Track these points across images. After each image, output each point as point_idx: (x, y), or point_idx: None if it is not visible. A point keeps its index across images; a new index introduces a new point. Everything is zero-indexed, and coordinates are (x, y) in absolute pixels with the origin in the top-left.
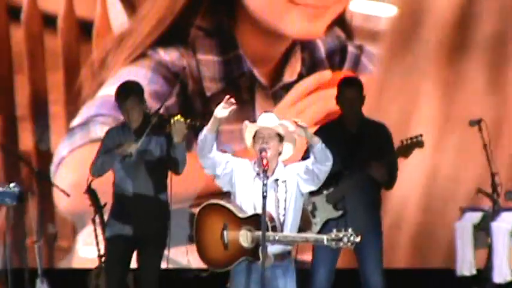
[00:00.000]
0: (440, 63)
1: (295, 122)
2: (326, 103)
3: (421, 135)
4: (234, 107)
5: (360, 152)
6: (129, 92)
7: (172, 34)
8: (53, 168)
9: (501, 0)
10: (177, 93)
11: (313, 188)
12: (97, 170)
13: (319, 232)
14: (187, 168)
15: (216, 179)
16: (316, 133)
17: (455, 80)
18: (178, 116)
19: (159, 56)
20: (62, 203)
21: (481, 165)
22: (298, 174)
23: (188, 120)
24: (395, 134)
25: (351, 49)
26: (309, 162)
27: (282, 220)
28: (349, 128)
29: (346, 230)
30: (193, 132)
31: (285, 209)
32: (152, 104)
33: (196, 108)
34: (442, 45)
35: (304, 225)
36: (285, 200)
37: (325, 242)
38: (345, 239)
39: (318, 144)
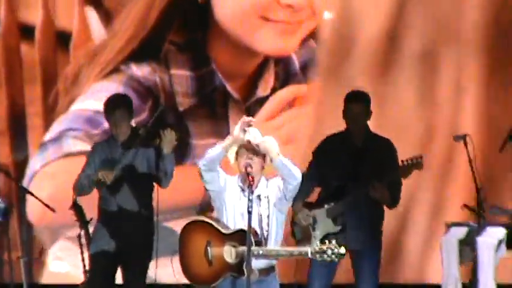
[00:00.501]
0: (372, 75)
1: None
2: (302, 120)
3: (421, 157)
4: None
5: (363, 168)
6: (117, 104)
7: (145, 49)
8: (25, 182)
9: (431, 12)
10: (149, 108)
11: (285, 206)
12: (78, 191)
13: (322, 240)
14: (177, 180)
15: (213, 194)
16: (321, 145)
17: (387, 92)
18: (168, 129)
19: (131, 70)
20: (34, 216)
21: None
22: (278, 190)
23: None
24: None
25: None
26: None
27: (265, 235)
28: (355, 142)
29: (330, 242)
30: (183, 146)
31: (268, 224)
32: None
33: (169, 123)
34: (374, 58)
35: (304, 237)
36: (268, 216)
37: (309, 255)
38: (329, 251)
39: (277, 159)
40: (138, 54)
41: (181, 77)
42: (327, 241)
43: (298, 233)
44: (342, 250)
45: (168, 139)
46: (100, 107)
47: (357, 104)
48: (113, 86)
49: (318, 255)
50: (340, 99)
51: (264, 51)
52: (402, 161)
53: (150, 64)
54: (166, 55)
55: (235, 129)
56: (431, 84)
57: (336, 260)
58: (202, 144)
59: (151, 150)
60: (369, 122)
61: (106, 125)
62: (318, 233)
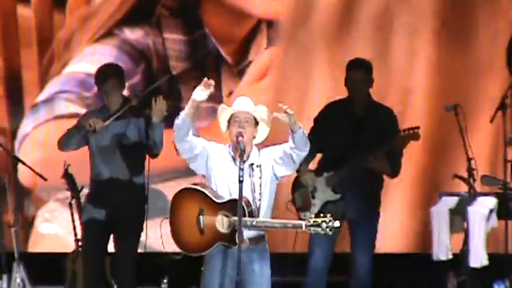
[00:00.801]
0: (330, 42)
1: (282, 108)
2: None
3: (417, 127)
4: (212, 89)
5: (363, 136)
6: (109, 74)
7: (138, 13)
8: (16, 144)
9: None
10: (142, 71)
11: (289, 172)
12: (62, 143)
13: (318, 213)
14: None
15: (191, 163)
16: (323, 112)
17: (344, 55)
18: (160, 98)
19: (124, 34)
20: (25, 179)
21: None
22: (273, 159)
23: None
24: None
25: None
26: (286, 146)
27: (258, 204)
28: (356, 110)
29: (325, 216)
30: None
31: (260, 193)
32: None
33: (162, 87)
34: (331, 25)
35: (304, 205)
36: (260, 185)
37: (303, 228)
38: (323, 225)
39: (300, 131)
40: (130, 18)
41: (174, 41)
42: (321, 214)
43: (298, 200)
44: (337, 223)
45: (158, 107)
46: (93, 70)
47: (357, 71)
48: (106, 49)
49: (312, 228)
50: (300, 63)
51: (256, 13)
52: (399, 131)
53: (143, 28)
54: (158, 19)
55: (195, 92)
56: (386, 47)
57: (330, 233)
58: None
59: (142, 120)
60: (326, 85)
61: None
62: (317, 201)
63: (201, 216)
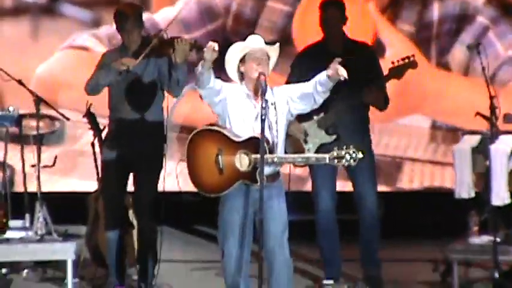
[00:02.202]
0: None
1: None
2: None
3: (413, 55)
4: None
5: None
6: (129, 13)
7: None
8: None
9: None
10: (214, 28)
11: (307, 110)
12: (92, 86)
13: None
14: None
15: (213, 107)
16: (299, 57)
17: None
18: (182, 38)
19: None
20: None
21: None
22: (289, 97)
23: (192, 41)
24: None
25: None
26: (306, 88)
27: (275, 142)
28: (334, 50)
29: (348, 147)
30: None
31: (277, 130)
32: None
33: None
34: None
35: (296, 151)
36: (276, 122)
37: (327, 161)
38: (347, 156)
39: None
40: None
41: (274, 10)
42: (344, 146)
43: (288, 147)
44: (360, 154)
45: (181, 48)
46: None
47: (332, 8)
48: None
49: (336, 161)
50: None
51: None
52: (393, 62)
53: None
54: None
55: (205, 52)
56: None
57: (354, 164)
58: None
59: (164, 59)
60: None
61: None
62: (311, 146)
63: (219, 156)
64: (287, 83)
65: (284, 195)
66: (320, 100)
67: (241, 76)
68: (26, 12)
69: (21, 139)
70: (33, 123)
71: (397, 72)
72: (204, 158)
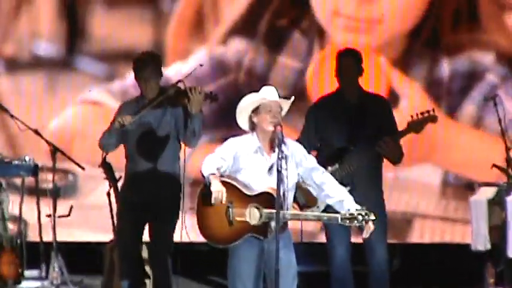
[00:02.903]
0: None
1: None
2: None
3: (433, 110)
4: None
5: (364, 127)
6: (148, 61)
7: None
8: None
9: None
10: (226, 83)
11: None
12: (103, 146)
13: (325, 209)
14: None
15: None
16: (314, 106)
17: None
18: (197, 88)
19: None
20: None
21: None
22: (301, 163)
23: (207, 91)
24: None
25: None
26: (320, 178)
27: (286, 196)
28: (349, 100)
29: (361, 209)
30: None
31: (286, 184)
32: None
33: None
34: None
35: (309, 201)
36: (287, 177)
37: (339, 221)
38: (360, 218)
39: None
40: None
41: (285, 67)
42: (357, 206)
43: (301, 197)
44: (372, 216)
45: (196, 99)
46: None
47: (347, 58)
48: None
49: (348, 221)
50: None
51: None
52: (412, 116)
53: (249, 42)
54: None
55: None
56: None
57: (365, 225)
58: None
59: (179, 110)
60: None
61: None
62: None
63: (230, 208)
64: (302, 133)
65: (292, 245)
66: (321, 198)
67: (252, 126)
68: (42, 66)
69: (37, 190)
70: (48, 176)
71: (417, 126)
72: (214, 209)
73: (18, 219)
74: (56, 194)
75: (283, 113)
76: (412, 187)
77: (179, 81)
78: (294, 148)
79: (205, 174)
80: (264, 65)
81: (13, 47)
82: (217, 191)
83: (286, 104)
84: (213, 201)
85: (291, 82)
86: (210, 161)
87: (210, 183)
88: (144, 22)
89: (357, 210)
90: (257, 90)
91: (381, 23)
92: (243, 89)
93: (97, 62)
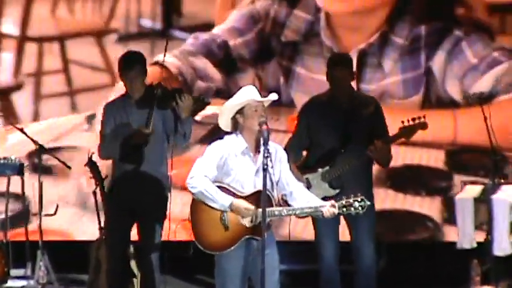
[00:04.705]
0: None
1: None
2: None
3: (423, 117)
4: None
5: (355, 130)
6: (134, 62)
7: None
8: None
9: None
10: (256, 31)
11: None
12: (106, 155)
13: None
14: None
15: None
16: (307, 105)
17: None
18: (185, 95)
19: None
20: None
21: None
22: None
23: (195, 96)
24: None
25: None
26: (291, 184)
27: (276, 194)
28: (341, 104)
29: (356, 195)
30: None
31: (276, 182)
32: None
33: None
34: None
35: None
36: (274, 174)
37: (337, 209)
38: (356, 204)
39: None
40: None
41: (299, 17)
42: (352, 195)
43: None
44: (368, 201)
45: (186, 104)
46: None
47: (339, 67)
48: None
49: (345, 209)
50: None
51: None
52: (403, 122)
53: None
54: None
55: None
56: None
57: (362, 212)
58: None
59: (168, 112)
60: None
61: None
62: None
63: (224, 213)
64: (294, 133)
65: (275, 242)
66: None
67: (235, 127)
68: (147, 37)
69: (23, 189)
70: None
71: (407, 132)
72: (208, 217)
73: (5, 218)
74: (40, 193)
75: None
76: None
77: (159, 83)
78: (276, 147)
79: (222, 202)
80: (285, 16)
81: (121, 23)
82: (246, 208)
83: (267, 102)
84: (249, 224)
85: (302, 30)
86: (205, 185)
87: (234, 208)
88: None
89: (353, 197)
90: (280, 38)
91: None
92: (270, 36)
93: (187, 33)
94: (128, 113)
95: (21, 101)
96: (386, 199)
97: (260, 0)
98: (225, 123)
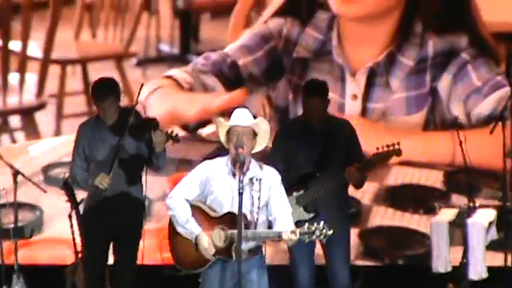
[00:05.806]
0: None
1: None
2: None
3: (398, 143)
4: None
5: (330, 153)
6: (108, 91)
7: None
8: None
9: None
10: (266, 50)
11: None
12: (75, 185)
13: None
14: None
15: None
16: (282, 129)
17: None
18: (159, 131)
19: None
20: None
21: None
22: (272, 192)
23: (169, 131)
24: None
25: None
26: (275, 209)
27: (255, 218)
28: (314, 127)
29: (318, 223)
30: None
31: (258, 207)
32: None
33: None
34: None
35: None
36: (259, 198)
37: (298, 235)
38: (317, 232)
39: None
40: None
41: (311, 36)
42: (315, 223)
43: None
44: (330, 231)
45: (159, 140)
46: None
47: (313, 98)
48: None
49: (307, 236)
50: None
51: None
52: (377, 148)
53: (286, 18)
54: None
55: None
56: None
57: (324, 240)
58: None
59: (142, 143)
60: None
61: None
62: None
63: None
64: (268, 156)
65: (265, 268)
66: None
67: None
68: (165, 61)
69: None
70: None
71: (381, 159)
72: (182, 236)
73: None
74: (16, 214)
75: (265, 129)
76: None
77: (133, 105)
78: (269, 174)
79: (190, 231)
80: (297, 35)
81: (140, 47)
82: (205, 248)
83: (259, 125)
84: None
85: (313, 48)
86: (179, 209)
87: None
88: None
89: (315, 225)
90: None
91: None
92: (282, 54)
93: None
94: (101, 135)
95: (44, 119)
96: (385, 216)
97: (273, 20)
98: (225, 144)
